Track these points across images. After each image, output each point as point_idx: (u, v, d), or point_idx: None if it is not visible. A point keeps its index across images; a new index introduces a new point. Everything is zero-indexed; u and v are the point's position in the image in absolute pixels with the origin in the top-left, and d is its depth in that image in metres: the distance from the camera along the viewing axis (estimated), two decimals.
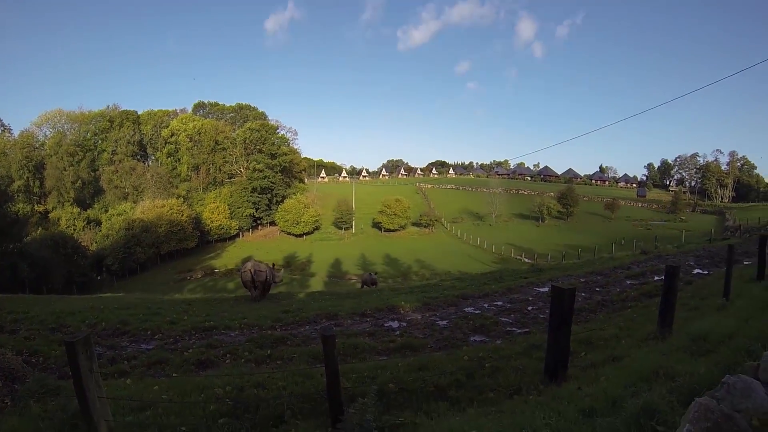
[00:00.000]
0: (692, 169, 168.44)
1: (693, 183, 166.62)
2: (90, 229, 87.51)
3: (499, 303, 15.63)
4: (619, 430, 3.54)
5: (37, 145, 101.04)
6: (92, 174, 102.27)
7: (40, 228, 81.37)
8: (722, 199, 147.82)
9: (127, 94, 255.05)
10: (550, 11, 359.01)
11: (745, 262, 19.79)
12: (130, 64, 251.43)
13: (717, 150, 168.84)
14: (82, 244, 73.28)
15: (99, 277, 72.46)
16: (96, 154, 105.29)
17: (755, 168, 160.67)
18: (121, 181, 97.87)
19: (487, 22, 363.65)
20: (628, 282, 18.73)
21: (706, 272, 19.83)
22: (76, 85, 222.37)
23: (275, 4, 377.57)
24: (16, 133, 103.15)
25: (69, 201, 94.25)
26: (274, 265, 21.62)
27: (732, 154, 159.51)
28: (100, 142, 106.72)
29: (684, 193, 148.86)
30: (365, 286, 25.84)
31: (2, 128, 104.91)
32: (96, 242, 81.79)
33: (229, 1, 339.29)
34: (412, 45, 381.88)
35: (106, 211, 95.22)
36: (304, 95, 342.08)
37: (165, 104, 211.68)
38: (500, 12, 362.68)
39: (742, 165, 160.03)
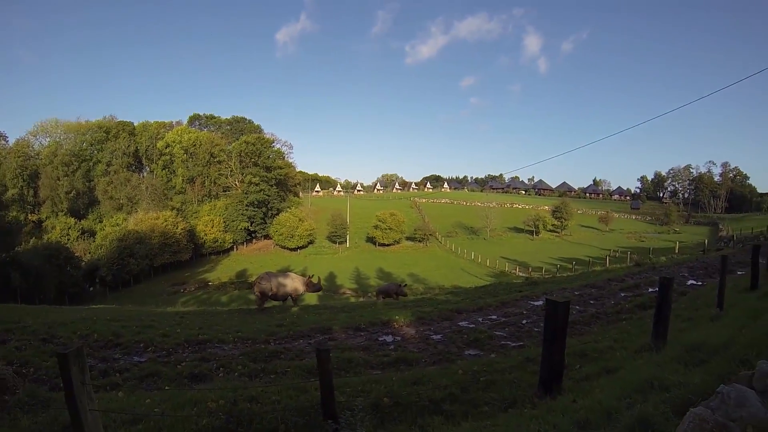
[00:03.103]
0: (685, 181, 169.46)
1: (686, 195, 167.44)
2: (84, 239, 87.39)
3: (494, 317, 15.59)
4: None
5: (33, 154, 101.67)
6: (87, 184, 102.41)
7: (33, 237, 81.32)
8: (715, 210, 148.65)
9: (124, 104, 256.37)
10: (557, 27, 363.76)
11: (738, 272, 19.87)
12: (129, 74, 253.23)
13: (710, 161, 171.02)
14: (76, 254, 72.96)
15: (92, 289, 72.08)
16: (91, 164, 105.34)
17: (748, 178, 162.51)
18: (115, 192, 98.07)
19: (493, 36, 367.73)
20: (623, 294, 18.72)
21: (700, 283, 19.84)
22: (74, 94, 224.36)
23: (287, 16, 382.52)
24: (11, 141, 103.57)
25: (63, 211, 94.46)
26: (310, 276, 21.73)
27: (725, 165, 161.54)
28: (95, 152, 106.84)
29: (677, 204, 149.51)
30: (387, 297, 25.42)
31: None
32: (90, 253, 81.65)
33: (241, 13, 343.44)
34: (419, 59, 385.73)
35: (101, 221, 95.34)
36: (302, 108, 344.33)
37: (161, 116, 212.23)
38: (508, 27, 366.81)
39: (735, 176, 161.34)
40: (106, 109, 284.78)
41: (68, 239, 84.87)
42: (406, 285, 27.16)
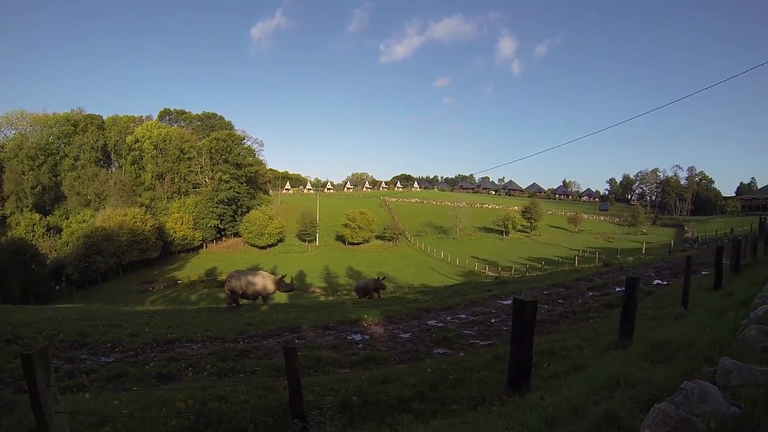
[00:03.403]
0: (653, 184, 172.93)
1: (654, 197, 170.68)
2: (50, 236, 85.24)
3: (462, 316, 15.71)
4: None
5: None
6: (53, 179, 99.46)
7: None
8: (681, 212, 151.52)
9: (93, 97, 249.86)
10: (532, 30, 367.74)
11: (703, 272, 20.31)
12: (99, 67, 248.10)
13: (677, 165, 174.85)
14: (41, 251, 71.03)
15: (57, 287, 70.25)
16: (58, 158, 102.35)
17: (713, 182, 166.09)
18: (83, 188, 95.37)
19: (469, 38, 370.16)
20: (590, 293, 18.99)
21: (665, 283, 20.23)
22: (41, 85, 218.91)
23: (263, 12, 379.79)
24: None
25: (28, 206, 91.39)
26: (283, 276, 21.57)
27: (691, 169, 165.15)
28: (62, 146, 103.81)
29: (645, 206, 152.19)
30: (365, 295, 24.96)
31: None
32: (56, 250, 79.40)
33: (216, 8, 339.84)
34: (394, 58, 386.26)
35: (67, 218, 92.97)
36: (274, 105, 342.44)
37: (131, 110, 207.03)
38: (483, 29, 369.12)
39: (701, 180, 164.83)
40: (75, 102, 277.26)
41: (33, 236, 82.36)
42: (384, 278, 26.61)
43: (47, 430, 4.71)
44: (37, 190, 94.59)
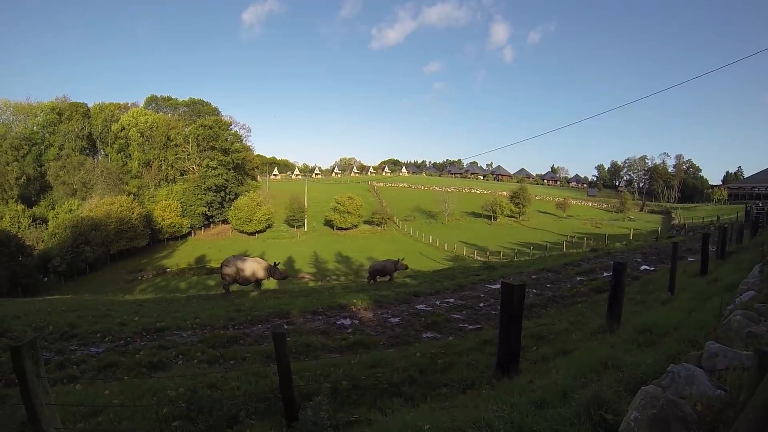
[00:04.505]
0: (641, 171, 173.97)
1: (641, 184, 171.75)
2: (36, 227, 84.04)
3: (451, 300, 15.80)
4: (570, 419, 3.60)
5: None
6: (38, 169, 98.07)
7: None
8: (669, 199, 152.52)
9: (78, 84, 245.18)
10: (525, 17, 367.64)
11: (689, 259, 20.52)
12: (84, 53, 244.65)
13: (664, 153, 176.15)
14: (28, 243, 69.69)
15: (45, 279, 69.40)
16: (43, 148, 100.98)
17: (700, 171, 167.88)
18: (69, 177, 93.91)
19: (462, 24, 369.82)
20: (578, 278, 19.14)
21: (652, 268, 20.38)
22: (24, 73, 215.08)
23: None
24: None
25: (13, 198, 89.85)
26: (276, 263, 21.44)
27: (678, 157, 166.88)
28: (47, 135, 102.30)
29: (632, 193, 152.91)
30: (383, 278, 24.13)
31: None
32: (42, 241, 78.06)
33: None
34: (385, 44, 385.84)
35: (53, 208, 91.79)
36: (262, 91, 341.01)
37: (117, 97, 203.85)
38: (476, 15, 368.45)
39: (688, 167, 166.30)
40: (59, 90, 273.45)
41: (19, 227, 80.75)
42: (404, 258, 25.00)
43: (39, 422, 4.70)
44: (22, 180, 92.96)
